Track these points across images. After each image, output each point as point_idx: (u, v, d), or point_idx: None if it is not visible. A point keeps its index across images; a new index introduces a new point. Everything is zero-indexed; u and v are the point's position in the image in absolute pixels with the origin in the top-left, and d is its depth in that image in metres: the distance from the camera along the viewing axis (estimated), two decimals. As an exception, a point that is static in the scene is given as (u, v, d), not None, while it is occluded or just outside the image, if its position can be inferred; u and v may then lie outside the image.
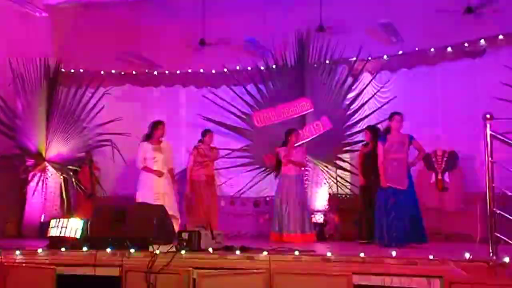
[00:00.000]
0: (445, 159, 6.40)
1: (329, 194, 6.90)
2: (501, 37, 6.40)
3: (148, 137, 6.02)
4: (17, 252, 4.43)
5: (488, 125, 3.77)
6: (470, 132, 6.43)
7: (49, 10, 7.59)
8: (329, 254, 3.97)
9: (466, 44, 6.67)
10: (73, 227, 4.69)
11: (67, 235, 4.67)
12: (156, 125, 6.03)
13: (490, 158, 3.74)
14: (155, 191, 5.84)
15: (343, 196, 6.65)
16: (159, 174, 5.88)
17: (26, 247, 4.59)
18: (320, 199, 6.88)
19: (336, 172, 6.86)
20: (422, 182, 6.53)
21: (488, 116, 3.79)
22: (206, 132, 6.48)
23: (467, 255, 3.71)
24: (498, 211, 3.74)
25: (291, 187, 5.99)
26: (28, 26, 7.53)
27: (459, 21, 7.18)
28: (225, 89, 7.70)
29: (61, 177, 7.08)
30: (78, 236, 4.65)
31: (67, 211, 6.92)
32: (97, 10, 8.07)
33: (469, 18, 7.05)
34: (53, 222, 4.90)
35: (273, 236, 5.97)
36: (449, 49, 6.82)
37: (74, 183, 7.05)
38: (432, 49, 6.93)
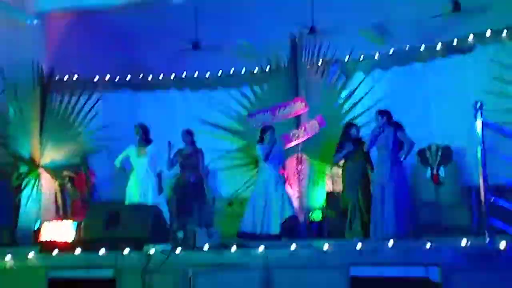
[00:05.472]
0: (439, 154, 6.42)
1: (326, 192, 6.90)
2: (488, 33, 6.44)
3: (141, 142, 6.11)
4: (8, 256, 4.36)
5: (479, 113, 3.80)
6: (462, 126, 6.48)
7: (42, 17, 7.58)
8: (325, 247, 3.95)
9: (455, 41, 6.72)
10: (65, 230, 4.66)
11: (59, 238, 4.63)
12: (139, 128, 6.14)
13: (482, 145, 3.76)
14: (140, 192, 5.90)
15: (340, 193, 6.62)
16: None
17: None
18: (317, 197, 6.88)
19: (331, 170, 6.86)
20: (418, 177, 6.56)
21: (479, 104, 3.83)
22: (186, 134, 6.41)
23: (463, 243, 3.72)
24: (492, 199, 3.75)
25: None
26: (21, 33, 7.48)
27: (448, 19, 7.28)
28: (220, 92, 7.71)
29: (56, 183, 7.03)
30: (70, 239, 4.61)
31: (63, 218, 6.85)
32: (90, 16, 8.03)
33: (457, 15, 7.15)
34: (45, 226, 4.86)
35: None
36: (439, 46, 6.86)
37: (70, 189, 6.99)
38: (423, 47, 6.97)
